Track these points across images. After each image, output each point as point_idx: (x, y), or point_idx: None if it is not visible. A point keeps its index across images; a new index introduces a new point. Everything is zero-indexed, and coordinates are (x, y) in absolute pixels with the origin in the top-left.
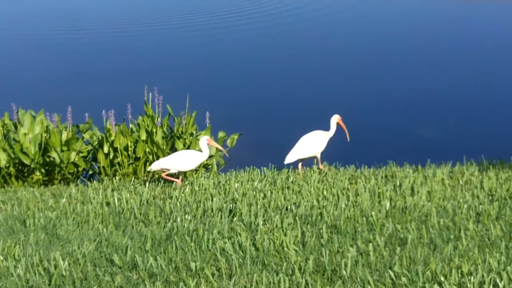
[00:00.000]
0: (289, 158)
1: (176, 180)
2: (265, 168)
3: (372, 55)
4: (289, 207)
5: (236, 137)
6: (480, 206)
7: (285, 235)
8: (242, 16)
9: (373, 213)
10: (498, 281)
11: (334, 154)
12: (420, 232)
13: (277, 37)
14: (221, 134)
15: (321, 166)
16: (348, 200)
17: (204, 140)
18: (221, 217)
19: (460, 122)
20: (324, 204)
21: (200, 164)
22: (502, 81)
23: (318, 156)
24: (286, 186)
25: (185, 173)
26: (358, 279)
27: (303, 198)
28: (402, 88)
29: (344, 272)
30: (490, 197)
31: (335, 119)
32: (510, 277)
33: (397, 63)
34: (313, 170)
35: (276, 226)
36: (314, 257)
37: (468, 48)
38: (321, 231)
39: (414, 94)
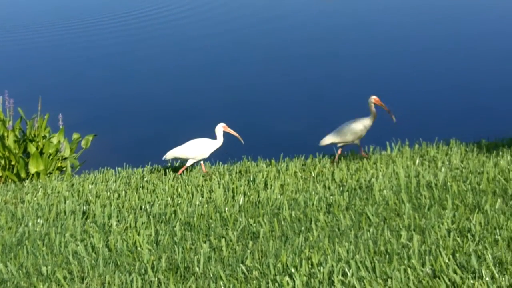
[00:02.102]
0: (324, 141)
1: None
2: (119, 168)
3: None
4: (143, 206)
5: (90, 138)
6: (331, 197)
7: (138, 234)
8: (102, 18)
9: (226, 208)
10: (347, 270)
11: None
12: (272, 225)
13: (134, 40)
14: (75, 136)
15: (362, 153)
16: (202, 197)
17: (220, 127)
18: (74, 220)
19: (311, 115)
20: (179, 201)
21: (214, 152)
22: (354, 75)
23: (357, 142)
24: (141, 185)
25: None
26: (211, 275)
27: (157, 196)
28: (255, 83)
29: (197, 268)
30: (341, 188)
31: (371, 100)
32: (358, 265)
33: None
34: (169, 170)
35: (130, 226)
36: (167, 255)
37: (324, 41)
38: (175, 229)
39: (264, 89)
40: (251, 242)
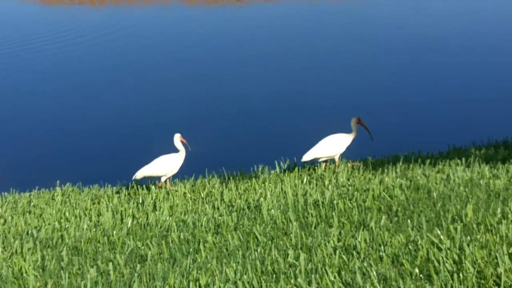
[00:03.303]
0: (307, 156)
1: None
2: (6, 193)
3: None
4: (30, 232)
5: None
6: (220, 218)
7: (24, 260)
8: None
9: (114, 232)
10: None
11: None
12: (160, 248)
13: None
14: None
15: (337, 164)
16: (90, 221)
17: (177, 137)
18: None
19: (212, 134)
20: (66, 226)
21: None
22: (253, 91)
23: (336, 157)
24: (28, 210)
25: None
26: None
27: (44, 221)
28: (146, 102)
29: None
30: (230, 208)
31: (355, 120)
32: (245, 286)
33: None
34: (57, 193)
35: (16, 252)
36: (53, 281)
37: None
38: (62, 253)
39: (154, 109)
40: (139, 265)
